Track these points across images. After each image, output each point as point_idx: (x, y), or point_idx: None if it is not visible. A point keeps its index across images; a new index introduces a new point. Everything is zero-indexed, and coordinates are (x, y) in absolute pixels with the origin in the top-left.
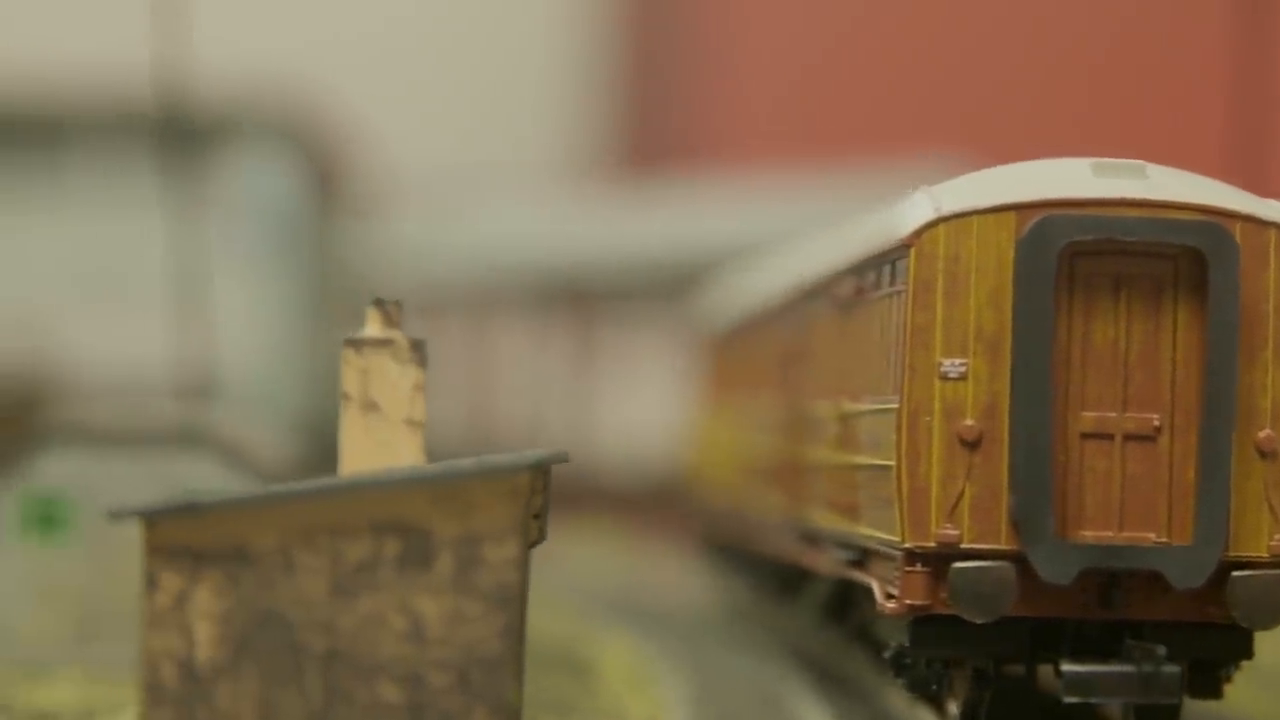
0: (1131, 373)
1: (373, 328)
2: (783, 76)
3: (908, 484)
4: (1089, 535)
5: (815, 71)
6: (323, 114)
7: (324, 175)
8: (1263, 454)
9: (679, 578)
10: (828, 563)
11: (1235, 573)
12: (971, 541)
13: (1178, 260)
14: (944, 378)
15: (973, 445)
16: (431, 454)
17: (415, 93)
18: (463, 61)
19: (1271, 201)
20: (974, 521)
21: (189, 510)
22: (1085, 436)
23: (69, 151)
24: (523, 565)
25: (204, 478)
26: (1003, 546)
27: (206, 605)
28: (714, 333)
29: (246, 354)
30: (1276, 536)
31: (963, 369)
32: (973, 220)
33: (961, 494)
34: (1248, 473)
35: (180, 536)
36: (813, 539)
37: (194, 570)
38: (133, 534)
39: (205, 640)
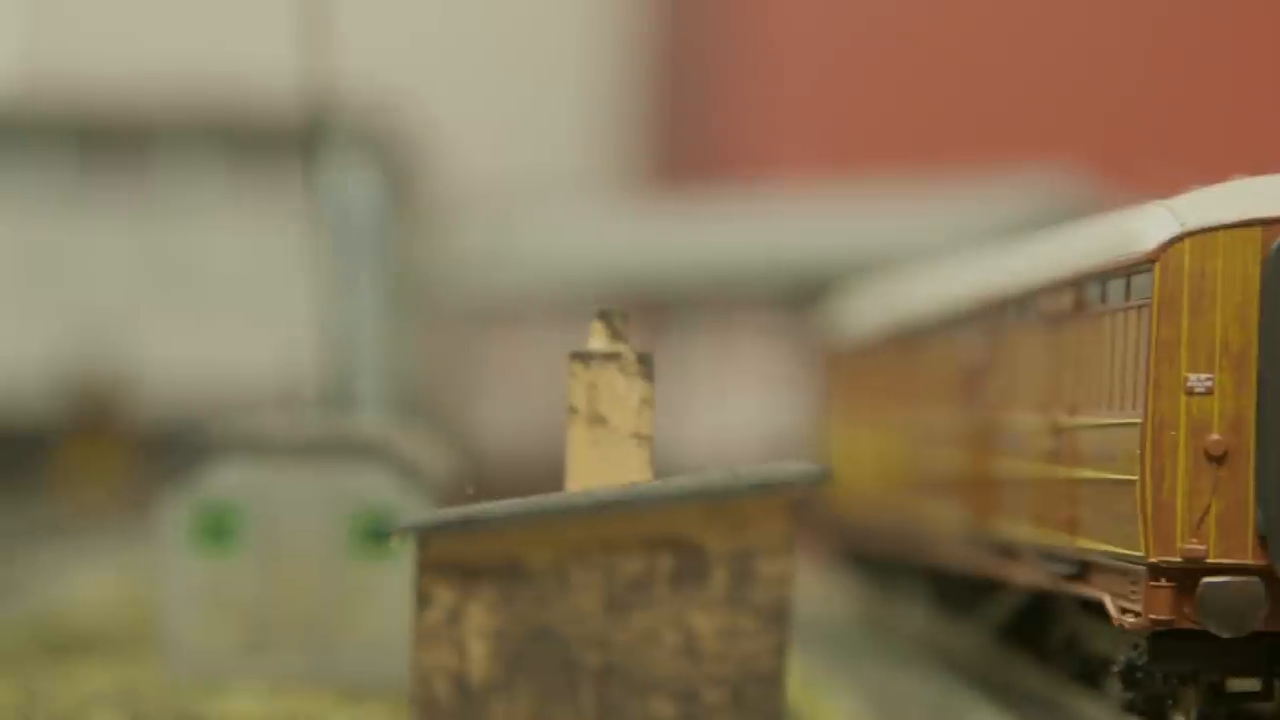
0: None
1: (598, 341)
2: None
3: (1152, 499)
4: None
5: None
6: (402, 120)
7: (404, 181)
8: None
9: (814, 590)
10: (1027, 575)
11: None
12: (1218, 557)
13: None
14: (1190, 393)
15: (1219, 460)
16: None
17: (454, 101)
18: (497, 71)
19: None
20: (1220, 536)
21: (464, 526)
22: None
23: (155, 158)
24: (794, 580)
25: (379, 491)
26: (1250, 561)
27: (480, 621)
28: (852, 343)
29: (331, 360)
30: None
31: (1209, 384)
32: (1218, 235)
33: (1208, 509)
34: None
35: (453, 552)
36: (1006, 551)
37: (467, 586)
38: (302, 545)
39: (478, 656)
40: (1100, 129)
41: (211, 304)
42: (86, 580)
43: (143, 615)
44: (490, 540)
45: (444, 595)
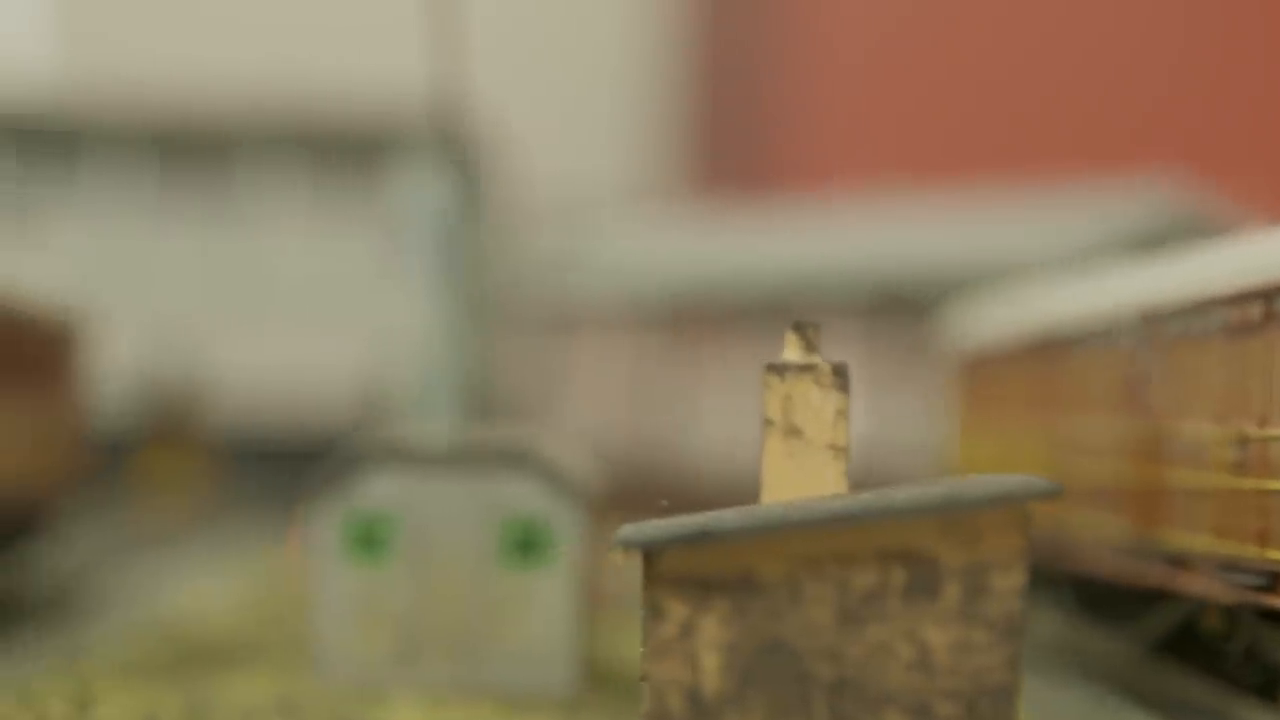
0: None
1: (793, 352)
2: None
3: None
4: None
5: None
6: (476, 126)
7: (480, 188)
8: None
9: None
10: (1201, 585)
11: None
12: None
13: None
14: None
15: None
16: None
17: (501, 107)
18: (540, 75)
19: None
20: None
21: (699, 539)
22: None
23: (234, 166)
24: (1026, 594)
25: (529, 499)
26: None
27: (713, 635)
28: (986, 351)
29: (411, 367)
30: None
31: None
32: None
33: None
34: None
35: (686, 566)
36: (1174, 561)
37: (700, 599)
38: (453, 554)
39: (711, 670)
40: (1182, 135)
41: (289, 311)
42: (195, 589)
43: (269, 624)
44: (723, 553)
45: (677, 609)
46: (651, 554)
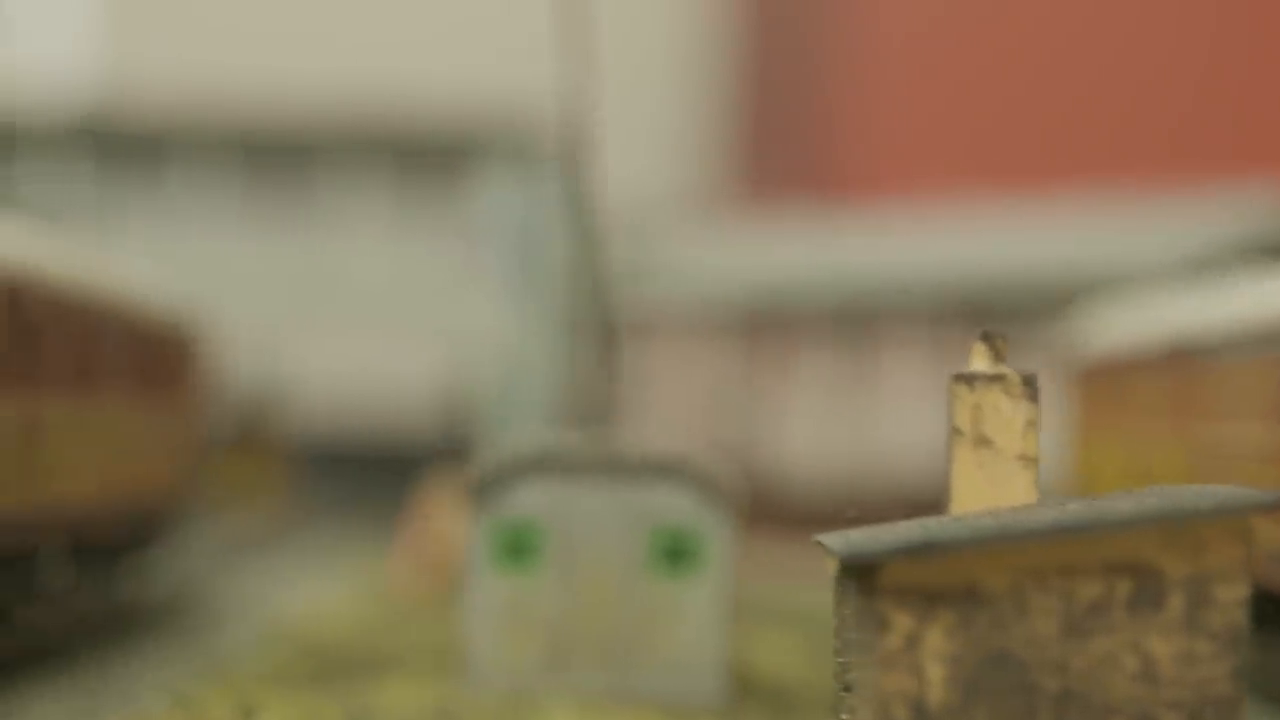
0: None
1: (981, 362)
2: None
3: None
4: None
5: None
6: (559, 133)
7: (564, 195)
8: None
9: None
10: None
11: None
12: None
13: None
14: None
15: None
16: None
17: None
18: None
19: None
20: None
21: (926, 550)
22: None
23: (319, 173)
24: (1249, 605)
25: (678, 508)
26: None
27: (938, 646)
28: (1105, 360)
29: (492, 373)
30: None
31: None
32: None
33: None
34: None
35: (912, 577)
36: None
37: (926, 611)
38: (602, 563)
39: (937, 681)
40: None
41: (370, 317)
42: (308, 596)
43: (394, 630)
44: (948, 564)
45: (902, 621)
46: (875, 566)
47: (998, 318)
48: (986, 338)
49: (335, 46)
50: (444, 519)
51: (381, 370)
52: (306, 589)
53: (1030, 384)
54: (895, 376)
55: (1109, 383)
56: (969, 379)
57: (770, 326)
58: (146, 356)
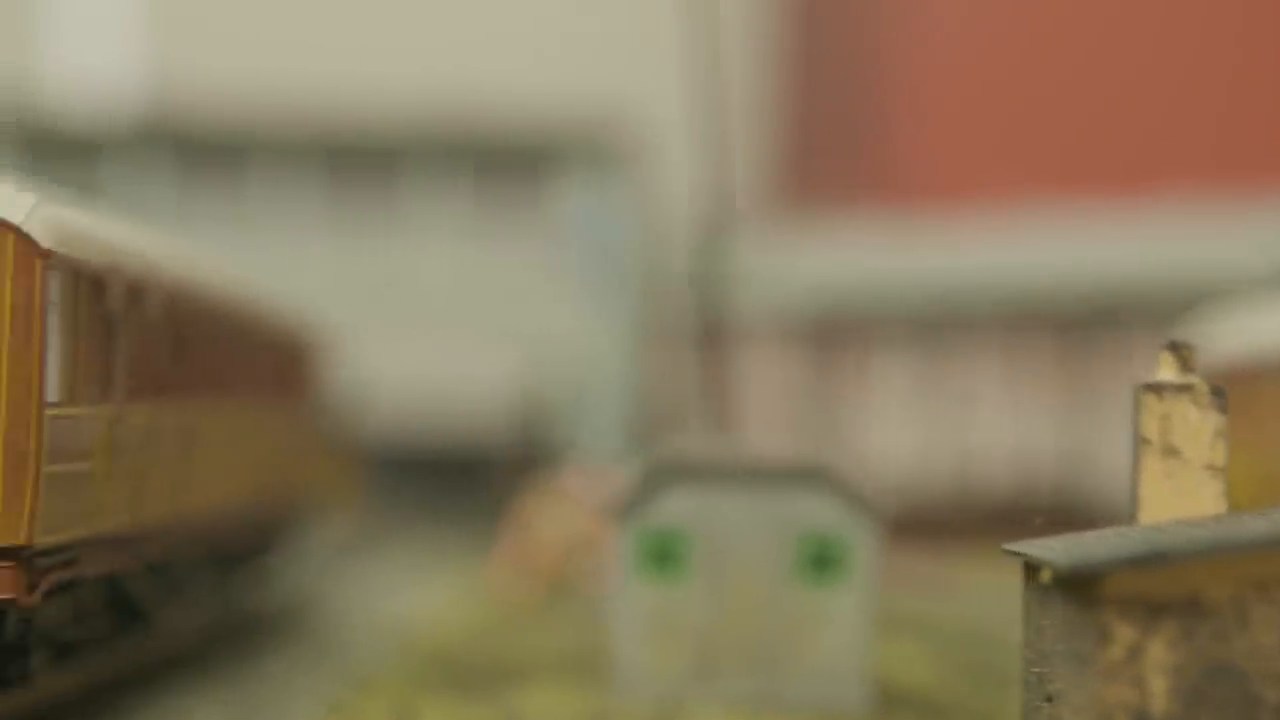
0: None
1: (1168, 372)
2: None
3: None
4: None
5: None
6: (641, 139)
7: (646, 201)
8: None
9: None
10: None
11: None
12: None
13: None
14: None
15: None
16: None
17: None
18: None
19: None
20: None
21: (1153, 561)
22: None
23: (399, 178)
24: None
25: (825, 516)
26: None
27: (1161, 657)
28: (1229, 368)
29: (571, 378)
30: None
31: None
32: None
33: None
34: None
35: (1136, 588)
36: None
37: (1149, 622)
38: (749, 571)
39: (1160, 693)
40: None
41: (450, 321)
42: (420, 601)
43: (521, 635)
44: (1170, 575)
45: (1125, 632)
46: (1097, 576)
47: (1079, 324)
48: (1174, 347)
49: (414, 52)
50: (543, 525)
51: (457, 374)
52: (410, 594)
53: (1219, 394)
54: (978, 382)
55: (1233, 391)
56: (1157, 388)
57: (847, 333)
58: (273, 362)
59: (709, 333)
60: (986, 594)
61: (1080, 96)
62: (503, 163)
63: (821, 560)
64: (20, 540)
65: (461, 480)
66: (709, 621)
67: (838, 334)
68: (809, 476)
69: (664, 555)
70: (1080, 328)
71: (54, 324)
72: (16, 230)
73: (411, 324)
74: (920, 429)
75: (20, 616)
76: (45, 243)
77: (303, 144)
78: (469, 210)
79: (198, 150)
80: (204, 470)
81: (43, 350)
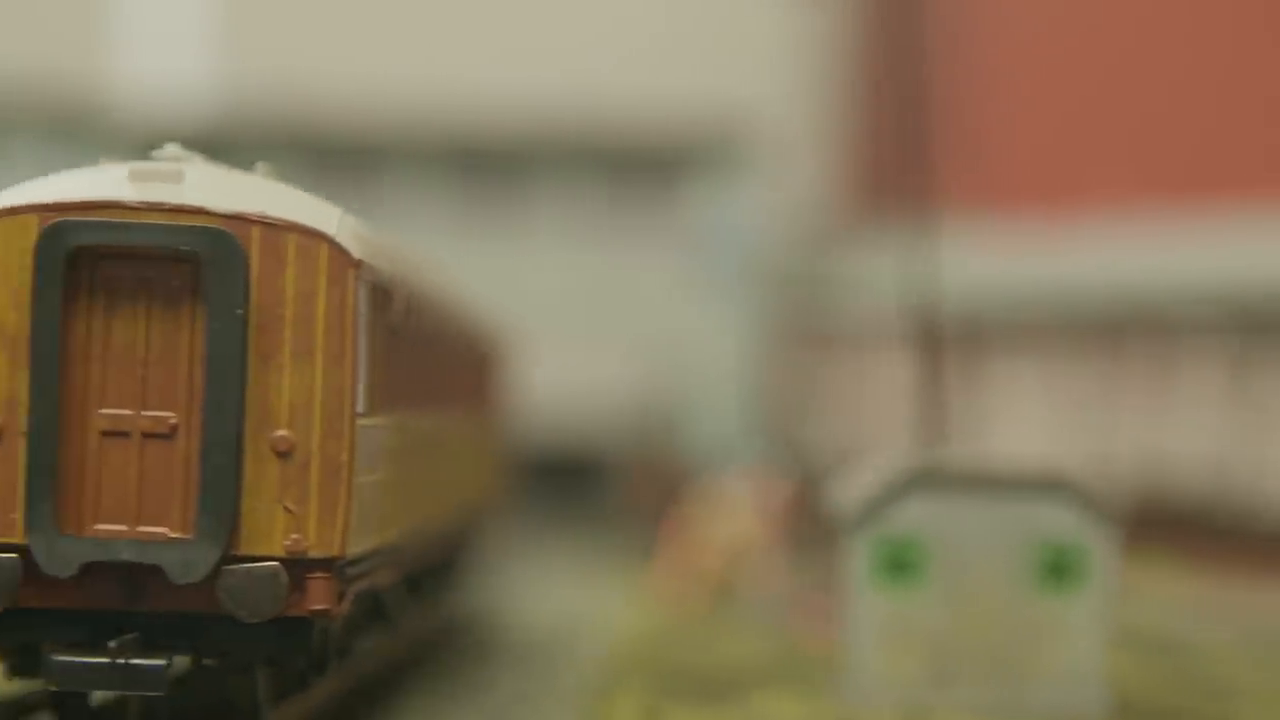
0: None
1: None
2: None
3: None
4: None
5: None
6: (775, 143)
7: (780, 204)
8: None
9: None
10: None
11: None
12: None
13: None
14: None
15: None
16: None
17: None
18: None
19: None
20: None
21: None
22: None
23: (535, 183)
24: None
25: (1062, 524)
26: None
27: None
28: None
29: (713, 384)
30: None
31: None
32: None
33: None
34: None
35: None
36: None
37: None
38: (986, 579)
39: None
40: None
41: (583, 325)
42: (581, 604)
43: (702, 641)
44: None
45: None
46: None
47: (1245, 328)
48: None
49: (539, 56)
50: (707, 529)
51: (586, 379)
52: (579, 599)
53: None
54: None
55: None
56: None
57: (964, 337)
58: (477, 369)
59: (919, 337)
60: (1169, 600)
61: (1182, 98)
62: (632, 166)
63: (1059, 568)
64: (334, 551)
65: (589, 485)
66: (945, 629)
67: (969, 338)
68: (1047, 484)
69: (900, 563)
70: (1246, 332)
71: (360, 334)
72: (330, 241)
73: (540, 329)
74: (1070, 433)
75: (321, 627)
76: (356, 253)
77: (431, 149)
78: (597, 214)
79: (330, 154)
80: (441, 479)
81: (355, 360)
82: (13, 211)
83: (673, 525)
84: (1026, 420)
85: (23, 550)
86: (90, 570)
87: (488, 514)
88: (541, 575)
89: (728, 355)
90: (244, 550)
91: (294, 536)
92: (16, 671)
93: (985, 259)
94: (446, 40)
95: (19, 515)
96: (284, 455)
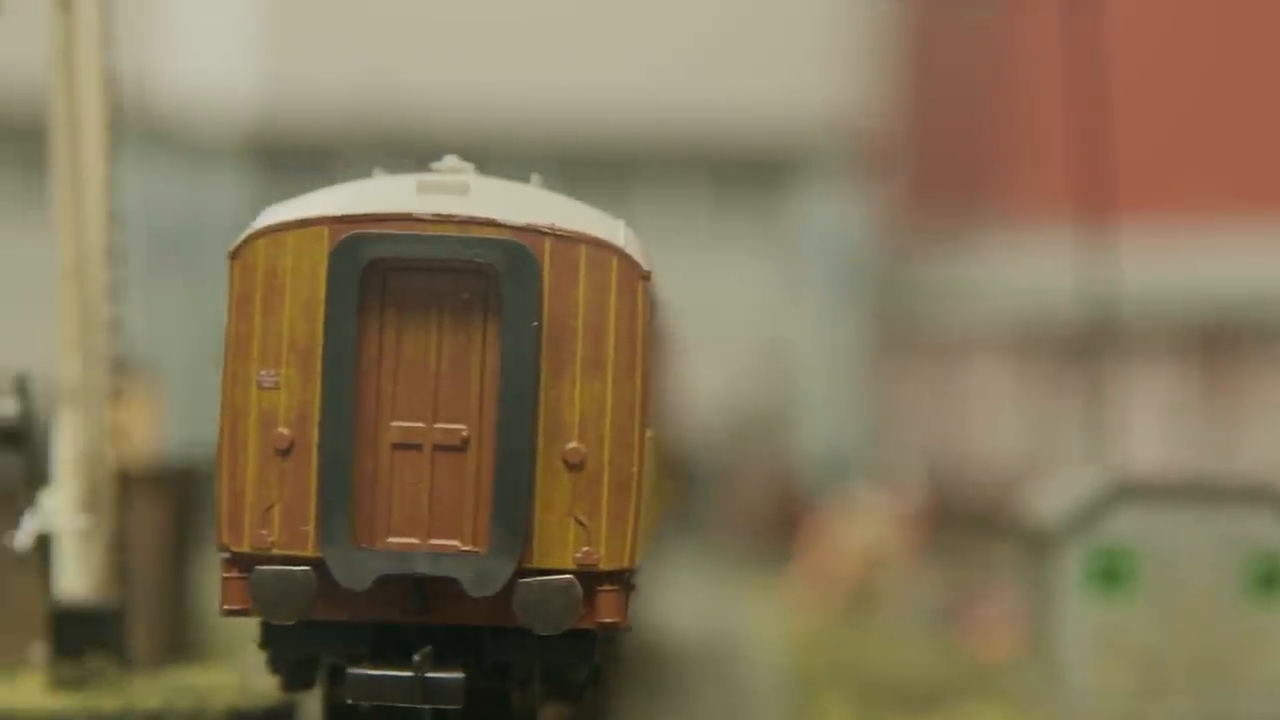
0: None
1: None
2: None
3: None
4: None
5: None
6: (880, 150)
7: (883, 211)
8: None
9: None
10: None
11: None
12: None
13: None
14: None
15: None
16: None
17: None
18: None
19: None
20: None
21: None
22: None
23: (637, 188)
24: None
25: (1272, 536)
26: None
27: None
28: None
29: (818, 390)
30: None
31: None
32: None
33: None
34: None
35: None
36: None
37: None
38: (1197, 589)
39: None
40: None
41: (686, 331)
42: (726, 610)
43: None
44: None
45: None
46: None
47: None
48: None
49: (642, 63)
50: (845, 537)
51: (691, 384)
52: (715, 606)
53: None
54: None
55: None
56: None
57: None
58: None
59: (1087, 345)
60: None
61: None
62: (733, 171)
63: (1270, 578)
64: (624, 564)
65: (694, 492)
66: (1156, 640)
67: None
68: (1259, 493)
69: (1111, 573)
70: None
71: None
72: (620, 252)
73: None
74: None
75: (605, 639)
76: (644, 265)
77: (533, 154)
78: (699, 219)
79: (419, 159)
80: (657, 487)
81: (645, 373)
82: (305, 224)
83: (809, 532)
84: (1148, 428)
85: (313, 563)
86: (380, 583)
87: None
88: (666, 581)
89: (832, 361)
90: (535, 563)
91: (585, 549)
92: (290, 684)
93: (1138, 264)
94: (549, 46)
95: (310, 528)
96: (575, 468)
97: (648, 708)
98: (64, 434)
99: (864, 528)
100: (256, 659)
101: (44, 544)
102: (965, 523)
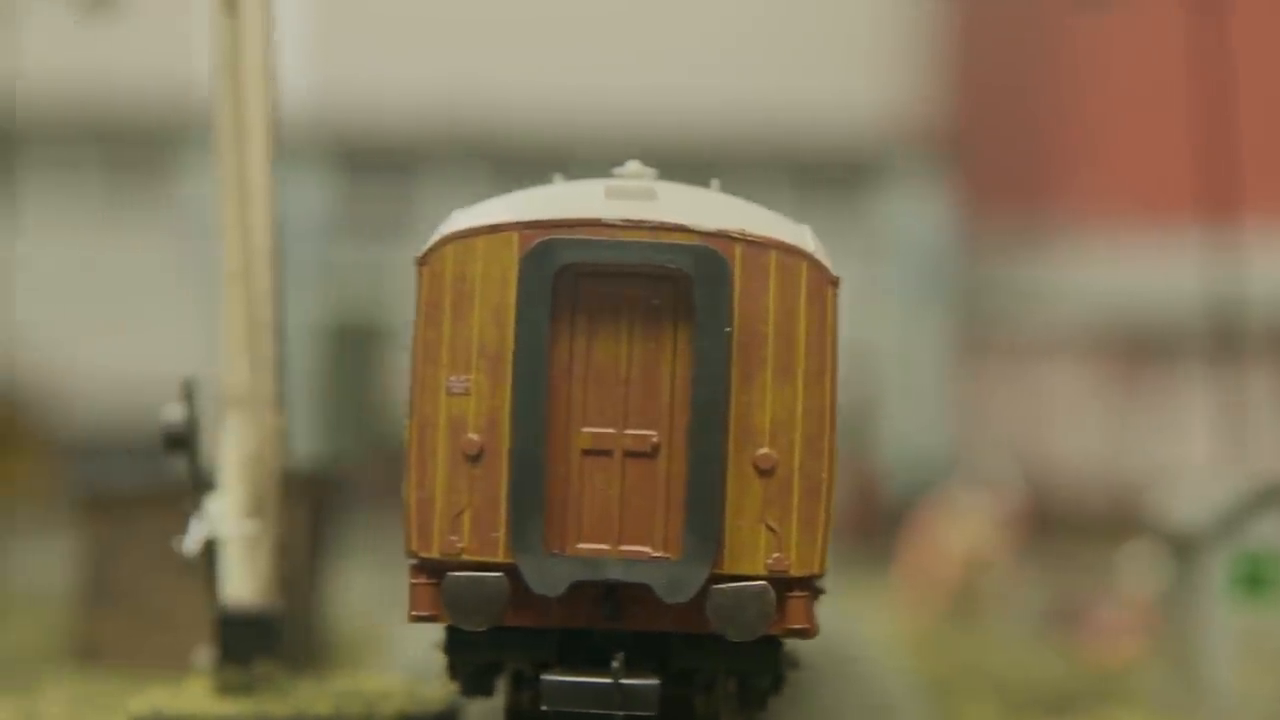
0: None
1: None
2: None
3: None
4: None
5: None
6: (951, 150)
7: (965, 213)
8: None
9: None
10: None
11: None
12: None
13: None
14: None
15: None
16: None
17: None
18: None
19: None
20: None
21: None
22: None
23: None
24: None
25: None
26: None
27: None
28: None
29: (904, 393)
30: None
31: None
32: None
33: None
34: None
35: None
36: None
37: None
38: None
39: None
40: None
41: None
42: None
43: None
44: None
45: None
46: None
47: None
48: None
49: (728, 63)
50: (946, 539)
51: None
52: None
53: None
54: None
55: None
56: None
57: (1138, 347)
58: None
59: (1215, 348)
60: None
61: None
62: (817, 173)
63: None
64: (814, 570)
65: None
66: None
67: (1129, 347)
68: None
69: (1257, 578)
70: None
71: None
72: (809, 258)
73: None
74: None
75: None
76: (833, 270)
77: (615, 155)
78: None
79: (513, 163)
80: None
81: (834, 379)
82: (496, 229)
83: (909, 534)
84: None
85: (504, 569)
86: (570, 589)
87: None
88: None
89: (917, 363)
90: (727, 569)
91: (775, 555)
92: (468, 690)
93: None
94: (620, 48)
95: (501, 534)
96: (766, 473)
97: (792, 713)
98: (230, 438)
99: (965, 529)
100: (386, 662)
101: (210, 549)
102: (1063, 524)
